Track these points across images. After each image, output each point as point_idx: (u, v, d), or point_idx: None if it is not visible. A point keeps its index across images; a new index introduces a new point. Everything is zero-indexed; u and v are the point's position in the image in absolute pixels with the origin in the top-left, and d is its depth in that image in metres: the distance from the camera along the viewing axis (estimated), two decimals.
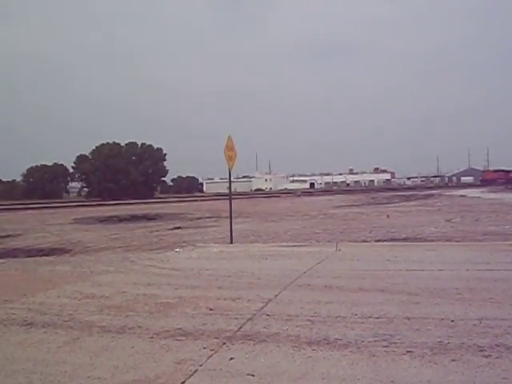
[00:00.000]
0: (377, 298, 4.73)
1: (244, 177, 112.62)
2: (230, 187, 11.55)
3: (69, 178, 73.89)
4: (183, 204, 39.72)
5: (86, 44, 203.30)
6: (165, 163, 72.79)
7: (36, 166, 71.12)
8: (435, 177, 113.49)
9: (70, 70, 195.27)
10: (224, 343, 3.57)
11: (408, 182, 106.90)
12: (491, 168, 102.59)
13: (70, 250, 11.23)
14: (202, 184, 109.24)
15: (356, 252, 8.09)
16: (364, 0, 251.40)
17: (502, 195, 34.30)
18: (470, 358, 3.10)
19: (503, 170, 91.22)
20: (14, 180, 71.64)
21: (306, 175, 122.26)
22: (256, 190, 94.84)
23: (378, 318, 4.04)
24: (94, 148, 70.08)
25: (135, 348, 3.55)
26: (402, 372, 2.92)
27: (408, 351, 3.25)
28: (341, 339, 3.54)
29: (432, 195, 40.24)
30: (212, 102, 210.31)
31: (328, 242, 10.25)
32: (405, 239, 10.57)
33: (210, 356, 3.32)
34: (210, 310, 4.52)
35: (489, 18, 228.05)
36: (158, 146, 72.30)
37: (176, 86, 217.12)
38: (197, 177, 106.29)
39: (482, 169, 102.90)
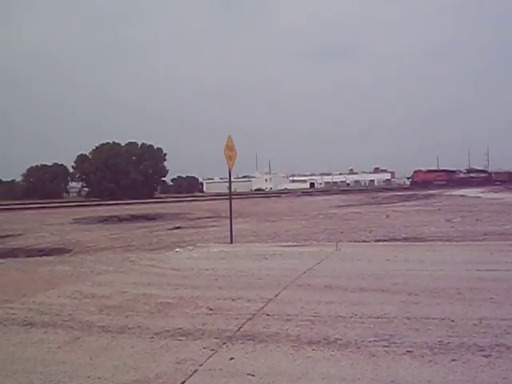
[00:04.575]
0: (377, 298, 4.73)
1: (244, 177, 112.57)
2: (230, 187, 11.55)
3: (69, 178, 73.77)
4: (183, 204, 39.70)
5: (86, 43, 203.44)
6: (165, 163, 72.83)
7: (36, 166, 70.97)
8: None
9: (70, 68, 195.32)
10: (224, 343, 3.57)
11: (408, 182, 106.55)
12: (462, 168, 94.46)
13: (70, 250, 11.22)
14: (202, 184, 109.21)
15: (356, 252, 8.08)
16: (362, 1, 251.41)
17: (502, 195, 34.30)
18: (470, 357, 3.10)
19: (445, 170, 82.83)
20: (14, 180, 71.50)
21: (305, 175, 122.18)
22: (256, 189, 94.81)
23: (377, 318, 4.04)
24: (94, 148, 70.05)
25: (135, 348, 3.55)
26: (402, 372, 2.92)
27: (408, 351, 3.25)
28: (341, 339, 3.54)
29: (432, 195, 40.23)
30: (212, 101, 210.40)
31: (328, 241, 10.25)
32: (405, 239, 10.56)
33: (210, 356, 3.32)
34: (210, 310, 4.52)
35: (487, 17, 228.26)
36: (158, 146, 72.33)
37: (176, 85, 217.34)
38: (197, 177, 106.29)
39: (482, 169, 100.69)
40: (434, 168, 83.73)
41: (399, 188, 72.86)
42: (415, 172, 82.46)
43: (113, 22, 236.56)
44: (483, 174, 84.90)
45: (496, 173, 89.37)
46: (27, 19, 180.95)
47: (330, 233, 12.52)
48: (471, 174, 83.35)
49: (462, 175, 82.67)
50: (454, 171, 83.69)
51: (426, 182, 72.59)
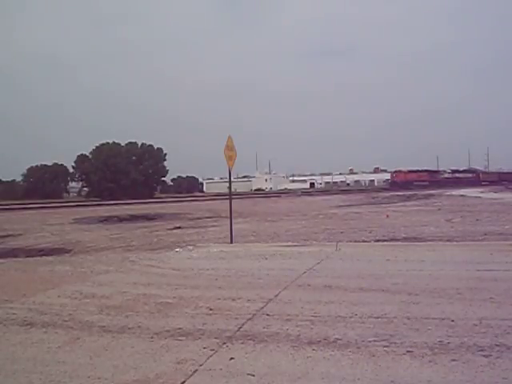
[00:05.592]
0: (377, 298, 4.73)
1: (244, 177, 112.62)
2: (230, 187, 11.55)
3: (69, 178, 73.78)
4: (183, 204, 39.70)
5: (86, 43, 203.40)
6: (165, 163, 72.87)
7: (36, 166, 70.95)
8: None
9: (70, 69, 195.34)
10: (224, 343, 3.57)
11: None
12: (490, 168, 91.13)
13: (70, 250, 11.22)
14: (202, 184, 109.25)
15: (356, 252, 8.09)
16: (362, 1, 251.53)
17: (502, 195, 34.31)
18: (470, 357, 3.10)
19: (427, 170, 78.15)
20: (14, 180, 71.48)
21: (305, 175, 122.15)
22: (256, 189, 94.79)
23: (377, 317, 4.04)
24: (94, 148, 70.05)
25: (135, 348, 3.55)
26: (402, 372, 2.92)
27: (408, 351, 3.25)
28: (341, 339, 3.54)
29: (432, 195, 40.23)
30: (212, 101, 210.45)
31: (328, 241, 10.25)
32: (405, 239, 10.56)
33: (210, 356, 3.32)
34: (210, 310, 4.52)
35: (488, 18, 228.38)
36: (158, 146, 72.39)
37: (176, 85, 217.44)
38: (197, 177, 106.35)
39: (482, 169, 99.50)
40: (417, 168, 78.61)
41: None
42: (395, 172, 78.42)
43: (113, 22, 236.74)
44: (470, 175, 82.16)
45: (484, 173, 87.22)
46: (27, 19, 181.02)
47: (330, 233, 12.52)
48: (457, 175, 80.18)
49: (446, 175, 79.56)
50: (437, 171, 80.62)
51: (407, 182, 69.12)
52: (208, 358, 3.28)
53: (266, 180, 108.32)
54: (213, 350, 3.44)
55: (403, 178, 72.76)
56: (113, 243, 12.32)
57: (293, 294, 5.05)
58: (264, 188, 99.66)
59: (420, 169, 77.78)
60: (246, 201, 39.20)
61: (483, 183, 73.62)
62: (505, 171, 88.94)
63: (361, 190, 68.31)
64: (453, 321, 3.86)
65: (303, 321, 4.03)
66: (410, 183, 68.67)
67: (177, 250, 9.55)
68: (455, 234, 11.05)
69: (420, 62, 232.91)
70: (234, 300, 4.87)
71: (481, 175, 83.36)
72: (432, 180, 73.68)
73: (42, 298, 5.31)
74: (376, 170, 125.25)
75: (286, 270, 6.45)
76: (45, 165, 71.43)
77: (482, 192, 42.02)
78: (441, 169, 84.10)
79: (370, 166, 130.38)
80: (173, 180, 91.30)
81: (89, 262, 8.19)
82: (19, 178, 71.63)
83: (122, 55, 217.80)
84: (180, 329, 3.96)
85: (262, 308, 4.51)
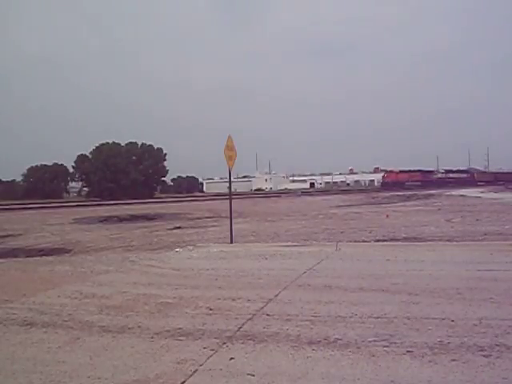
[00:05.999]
0: (377, 298, 4.73)
1: (244, 177, 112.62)
2: (230, 187, 11.55)
3: (69, 178, 73.79)
4: (183, 204, 39.70)
5: (85, 43, 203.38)
6: (165, 163, 72.90)
7: (36, 166, 70.96)
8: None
9: (69, 69, 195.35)
10: (224, 343, 3.57)
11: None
12: (490, 168, 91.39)
13: (70, 250, 11.23)
14: (202, 184, 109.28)
15: (356, 252, 8.09)
16: (362, 1, 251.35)
17: (502, 195, 34.30)
18: (470, 357, 3.10)
19: (420, 170, 76.57)
20: (14, 180, 71.50)
21: (305, 175, 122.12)
22: (256, 189, 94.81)
23: (377, 317, 4.04)
24: (94, 148, 70.08)
25: (135, 348, 3.55)
26: (402, 372, 2.92)
27: (408, 351, 3.25)
28: (341, 339, 3.54)
29: (432, 195, 40.23)
30: (212, 102, 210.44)
31: (328, 241, 10.25)
32: (405, 239, 10.56)
33: (210, 356, 3.32)
34: (210, 310, 4.52)
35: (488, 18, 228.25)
36: (158, 146, 72.44)
37: (176, 85, 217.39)
38: (197, 177, 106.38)
39: (482, 169, 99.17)
40: (409, 168, 77.04)
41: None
42: (386, 172, 77.65)
43: (113, 22, 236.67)
44: (465, 175, 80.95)
45: (479, 173, 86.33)
46: (26, 19, 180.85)
47: (330, 233, 12.52)
48: (450, 175, 78.86)
49: (439, 175, 78.37)
50: (431, 171, 79.26)
51: (398, 182, 68.35)
52: (208, 358, 3.28)
53: (266, 180, 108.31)
54: (213, 350, 3.44)
55: (394, 178, 71.84)
56: (113, 243, 12.32)
57: (293, 293, 5.05)
58: (264, 188, 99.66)
59: (412, 169, 76.60)
60: (246, 201, 39.19)
61: (479, 183, 73.20)
62: (503, 171, 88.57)
63: (361, 190, 68.25)
64: (453, 321, 3.86)
65: (303, 321, 4.03)
66: (402, 183, 67.90)
67: (177, 250, 9.55)
68: (455, 234, 11.05)
69: (421, 63, 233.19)
70: (233, 300, 4.87)
71: (476, 175, 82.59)
72: (425, 180, 72.67)
73: (42, 298, 5.30)
74: (376, 170, 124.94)
75: (285, 270, 6.45)
76: (45, 165, 71.42)
77: (482, 192, 42.00)
78: (436, 169, 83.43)
79: (369, 166, 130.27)
80: (173, 180, 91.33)
81: (89, 262, 8.19)
82: (19, 178, 71.73)
83: (122, 56, 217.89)
84: (180, 329, 3.96)
85: (262, 308, 4.51)
